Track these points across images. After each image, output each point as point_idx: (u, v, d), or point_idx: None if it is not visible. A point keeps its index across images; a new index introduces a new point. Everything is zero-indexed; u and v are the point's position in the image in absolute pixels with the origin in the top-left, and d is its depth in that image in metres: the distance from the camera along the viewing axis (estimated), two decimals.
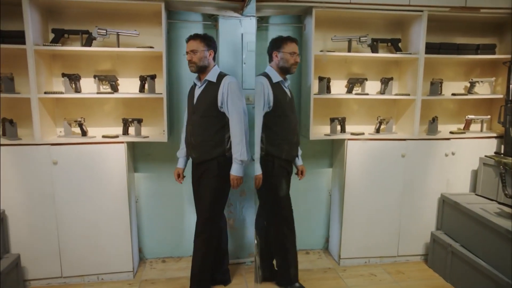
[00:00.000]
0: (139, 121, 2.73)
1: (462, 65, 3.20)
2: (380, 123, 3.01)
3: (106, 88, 2.74)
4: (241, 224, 3.00)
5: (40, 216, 2.57)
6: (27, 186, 2.53)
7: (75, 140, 2.59)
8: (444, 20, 3.02)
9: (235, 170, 2.35)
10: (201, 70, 2.37)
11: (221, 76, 2.37)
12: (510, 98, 2.88)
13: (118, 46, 2.59)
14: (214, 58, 2.42)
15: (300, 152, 2.61)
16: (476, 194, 2.95)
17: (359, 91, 3.00)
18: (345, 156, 2.85)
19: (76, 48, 2.55)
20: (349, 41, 2.86)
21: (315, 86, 2.85)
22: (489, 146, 3.03)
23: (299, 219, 2.68)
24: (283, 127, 2.42)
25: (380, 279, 2.80)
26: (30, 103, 2.46)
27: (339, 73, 3.05)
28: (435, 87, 3.00)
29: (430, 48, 2.87)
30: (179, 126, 2.82)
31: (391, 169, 2.91)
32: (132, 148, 2.87)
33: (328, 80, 2.91)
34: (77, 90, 2.65)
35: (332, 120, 2.93)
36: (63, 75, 2.63)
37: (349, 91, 2.97)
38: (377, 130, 3.02)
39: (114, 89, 2.70)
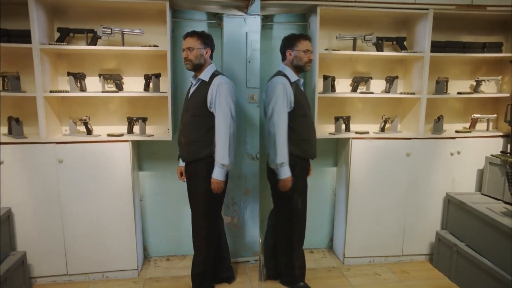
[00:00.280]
0: (144, 119, 2.74)
1: (468, 63, 3.18)
2: (385, 122, 3.00)
3: (111, 86, 2.75)
4: (245, 223, 3.00)
5: (46, 214, 2.58)
6: (33, 184, 2.54)
7: (80, 139, 2.60)
8: (450, 18, 3.00)
9: (216, 173, 2.27)
10: (196, 68, 2.33)
11: (214, 75, 2.32)
12: None
13: (123, 45, 2.60)
14: (211, 56, 2.38)
15: None
16: (482, 194, 2.93)
17: (364, 90, 2.99)
18: (350, 155, 2.84)
19: (81, 47, 2.56)
20: (354, 40, 2.85)
21: (319, 84, 2.84)
22: (495, 145, 3.01)
23: None
24: (303, 126, 2.39)
25: (384, 278, 2.79)
26: (36, 102, 2.48)
27: (344, 72, 3.04)
28: (441, 86, 2.98)
29: (436, 47, 2.85)
30: None
31: (396, 168, 2.89)
32: (137, 146, 2.88)
33: (333, 79, 2.90)
34: (82, 88, 2.67)
35: (337, 119, 2.93)
36: (69, 73, 2.65)
37: (354, 89, 2.96)
38: (382, 129, 3.01)
39: (119, 87, 2.71)
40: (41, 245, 2.60)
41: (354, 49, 2.85)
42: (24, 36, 2.41)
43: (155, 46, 2.61)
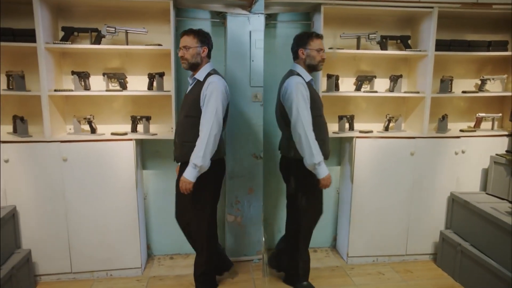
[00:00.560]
0: (148, 118, 2.75)
1: (473, 62, 3.16)
2: (389, 121, 2.99)
3: (115, 85, 2.76)
4: (248, 221, 3.00)
5: (51, 213, 2.60)
6: (38, 182, 2.56)
7: (84, 137, 2.61)
8: (455, 17, 2.98)
9: (187, 173, 2.15)
10: (193, 67, 2.27)
11: (209, 74, 2.25)
12: None
13: (127, 44, 2.61)
14: (209, 55, 2.31)
15: None
16: (487, 193, 2.91)
17: (368, 89, 2.98)
18: (354, 154, 2.83)
19: (86, 46, 2.57)
20: (358, 38, 2.84)
21: (323, 83, 2.84)
22: (500, 145, 2.99)
23: None
24: (319, 127, 2.33)
25: (388, 277, 2.79)
26: (40, 101, 2.49)
27: (348, 71, 3.03)
28: (445, 85, 2.97)
29: (441, 45, 2.84)
30: None
31: (400, 167, 2.88)
32: (141, 145, 2.89)
33: (337, 78, 2.90)
34: (86, 87, 2.68)
35: (341, 118, 2.92)
36: (73, 72, 2.66)
37: (358, 88, 2.95)
38: (386, 128, 3.00)
39: (123, 86, 2.72)
40: (46, 243, 2.62)
41: (358, 48, 2.84)
42: (29, 35, 2.42)
43: (159, 45, 2.62)
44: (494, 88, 3.15)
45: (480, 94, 3.06)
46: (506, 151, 2.95)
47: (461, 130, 3.06)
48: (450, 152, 2.92)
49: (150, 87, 2.75)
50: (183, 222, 2.46)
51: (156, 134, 2.75)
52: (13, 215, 2.49)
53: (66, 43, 2.54)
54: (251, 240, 3.02)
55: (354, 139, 2.83)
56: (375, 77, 2.96)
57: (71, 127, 2.78)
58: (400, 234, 2.98)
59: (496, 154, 2.88)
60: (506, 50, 3.00)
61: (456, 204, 2.87)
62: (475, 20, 3.06)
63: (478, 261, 2.51)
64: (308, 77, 2.34)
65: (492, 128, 3.13)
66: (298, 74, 2.31)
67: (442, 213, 2.99)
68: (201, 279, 2.49)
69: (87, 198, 2.62)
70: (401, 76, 2.96)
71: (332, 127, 3.00)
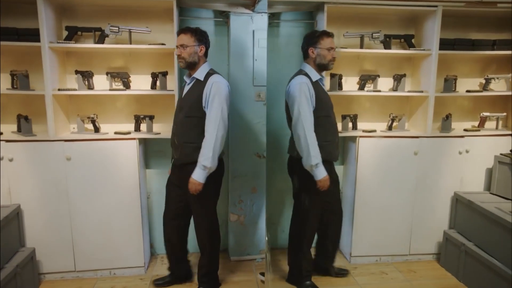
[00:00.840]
0: (151, 117, 2.75)
1: (477, 61, 3.15)
2: (393, 120, 2.98)
3: (118, 85, 2.76)
4: (251, 221, 3.00)
5: (54, 211, 2.61)
6: (42, 181, 2.57)
7: (88, 137, 2.62)
8: (459, 15, 2.96)
9: (195, 174, 2.16)
10: (190, 66, 2.24)
11: (209, 74, 2.23)
12: None
13: (130, 43, 2.62)
14: (206, 54, 2.28)
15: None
16: (491, 193, 2.90)
17: (371, 88, 2.97)
18: (357, 153, 2.83)
19: (89, 45, 2.58)
20: (362, 38, 2.83)
21: (326, 82, 2.83)
22: (505, 144, 2.97)
23: None
24: (325, 127, 2.31)
25: (391, 277, 2.78)
26: (44, 100, 2.50)
27: (351, 70, 3.02)
28: (449, 84, 2.95)
29: (445, 44, 2.82)
30: None
31: (403, 167, 2.87)
32: (144, 144, 2.89)
33: (340, 77, 2.89)
34: (90, 87, 2.69)
35: (344, 117, 2.91)
36: (76, 72, 2.67)
37: (361, 88, 2.94)
38: (390, 128, 2.99)
39: (126, 86, 2.72)
40: (50, 241, 2.63)
41: (361, 47, 2.83)
42: (33, 35, 2.43)
43: (162, 44, 2.62)
44: (499, 87, 3.13)
45: (485, 93, 3.04)
46: (511, 150, 2.94)
47: (465, 130, 3.04)
48: (454, 152, 2.91)
49: (153, 86, 2.76)
50: (171, 225, 2.47)
51: (159, 133, 2.76)
52: (17, 214, 2.51)
53: (70, 43, 2.55)
54: (254, 240, 3.02)
55: (357, 138, 2.82)
56: (378, 76, 2.96)
57: (75, 126, 2.79)
58: (403, 233, 2.97)
59: (501, 154, 2.86)
60: (510, 49, 2.97)
61: (460, 204, 2.86)
62: (480, 18, 3.04)
63: (482, 261, 2.49)
64: (316, 76, 2.32)
65: (497, 128, 3.11)
66: (306, 74, 2.31)
67: (446, 212, 2.98)
68: (204, 279, 2.49)
69: (90, 197, 2.63)
70: (404, 75, 2.95)
71: None
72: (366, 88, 2.95)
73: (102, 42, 2.59)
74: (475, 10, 2.82)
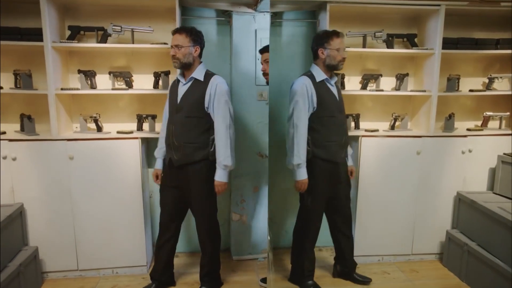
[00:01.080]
0: (153, 117, 2.76)
1: (480, 60, 3.13)
2: (395, 119, 2.97)
3: (120, 84, 2.77)
4: (253, 220, 3.00)
5: (57, 210, 2.62)
6: (45, 180, 2.58)
7: (90, 136, 2.63)
8: (462, 14, 2.95)
9: (219, 176, 2.23)
10: (184, 67, 2.22)
11: (208, 74, 2.24)
12: None
13: (133, 43, 2.62)
14: (200, 55, 2.26)
15: (350, 152, 2.58)
16: (494, 193, 2.89)
17: (374, 87, 2.96)
18: (359, 153, 2.82)
19: (92, 44, 2.59)
20: (364, 37, 2.82)
21: None
22: (508, 144, 2.95)
23: None
24: (329, 128, 2.31)
25: (393, 277, 2.78)
26: (47, 99, 2.51)
27: (354, 69, 3.02)
28: (452, 83, 2.94)
29: (448, 43, 2.81)
30: None
31: (406, 166, 2.87)
32: (146, 144, 2.90)
33: (342, 76, 2.89)
34: (93, 86, 2.69)
35: (346, 117, 2.90)
36: (79, 71, 2.67)
37: (364, 87, 2.94)
38: (392, 127, 2.98)
39: (129, 85, 2.73)
40: (53, 240, 2.64)
41: (364, 46, 2.83)
42: (36, 34, 2.44)
43: (165, 43, 2.62)
44: (502, 86, 3.12)
45: (488, 92, 3.03)
46: None
47: (468, 129, 3.03)
48: (457, 151, 2.90)
49: (155, 85, 2.76)
50: (169, 229, 2.44)
51: None
52: (20, 213, 2.52)
53: (72, 42, 2.56)
54: (256, 239, 3.02)
55: (360, 138, 2.81)
56: (381, 75, 2.95)
57: (78, 126, 2.80)
58: (406, 233, 2.96)
59: (504, 153, 2.85)
60: None
61: (463, 203, 2.85)
62: (483, 17, 3.03)
63: (484, 261, 2.49)
64: (321, 76, 2.31)
65: (500, 127, 3.10)
66: (310, 74, 2.32)
67: (449, 212, 2.97)
68: (206, 278, 2.50)
69: (93, 196, 2.64)
70: (407, 74, 2.95)
71: None
72: (368, 88, 2.95)
73: (105, 42, 2.59)
74: (478, 9, 2.81)
